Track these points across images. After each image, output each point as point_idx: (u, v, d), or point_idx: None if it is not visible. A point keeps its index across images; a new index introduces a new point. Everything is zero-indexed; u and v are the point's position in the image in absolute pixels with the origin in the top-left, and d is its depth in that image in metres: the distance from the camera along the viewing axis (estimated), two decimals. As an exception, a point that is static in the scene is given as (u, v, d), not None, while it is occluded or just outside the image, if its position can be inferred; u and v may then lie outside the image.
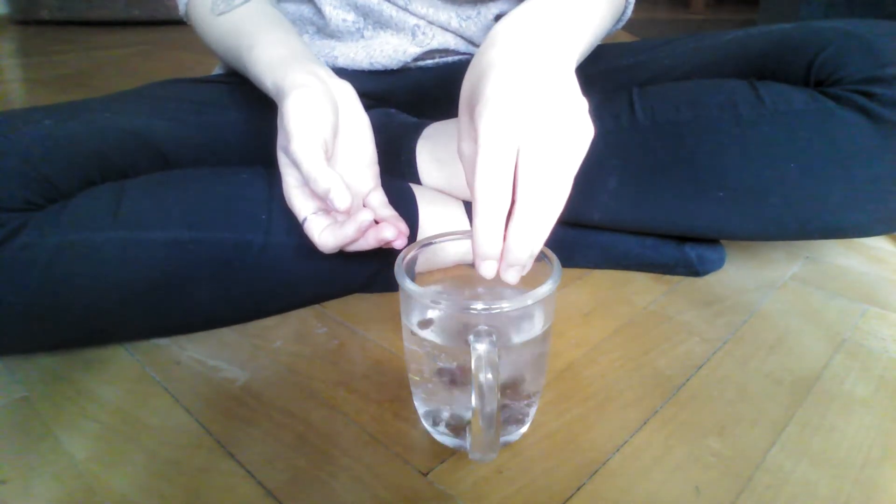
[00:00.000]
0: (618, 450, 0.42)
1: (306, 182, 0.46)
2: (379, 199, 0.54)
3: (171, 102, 0.63)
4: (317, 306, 0.60)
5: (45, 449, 0.42)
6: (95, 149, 0.53)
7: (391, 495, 0.39)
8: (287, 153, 0.47)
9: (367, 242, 0.49)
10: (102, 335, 0.53)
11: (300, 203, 0.49)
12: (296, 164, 0.46)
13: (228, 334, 0.55)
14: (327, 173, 0.44)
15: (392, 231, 0.48)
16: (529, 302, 0.36)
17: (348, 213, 0.48)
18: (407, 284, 0.37)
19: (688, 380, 0.49)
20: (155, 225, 0.49)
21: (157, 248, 0.49)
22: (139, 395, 0.48)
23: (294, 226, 0.51)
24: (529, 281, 0.38)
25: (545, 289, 0.36)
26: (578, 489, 0.39)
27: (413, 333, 0.39)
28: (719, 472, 0.41)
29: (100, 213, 0.49)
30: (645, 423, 0.45)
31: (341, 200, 0.43)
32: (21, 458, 0.42)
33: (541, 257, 0.41)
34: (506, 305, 0.36)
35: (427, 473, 0.40)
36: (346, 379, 0.49)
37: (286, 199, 0.50)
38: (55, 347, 0.52)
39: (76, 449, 0.42)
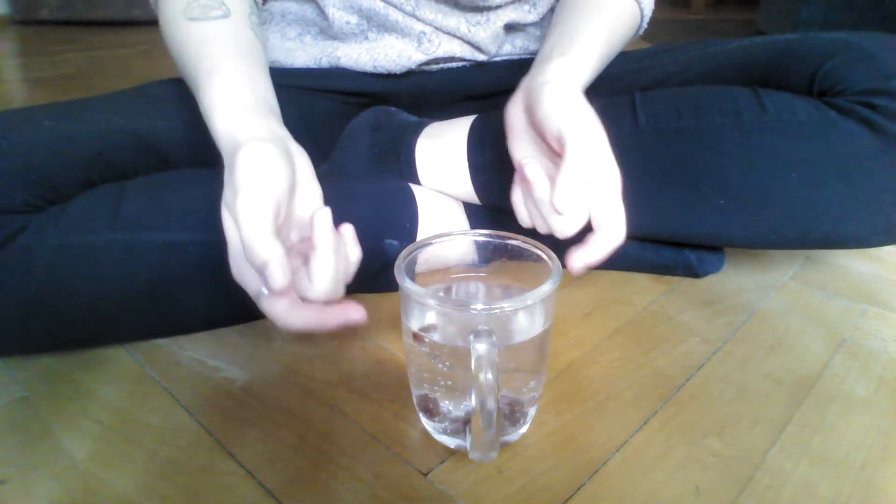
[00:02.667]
0: (618, 450, 0.42)
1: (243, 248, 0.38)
2: None
3: (171, 102, 0.63)
4: (317, 306, 0.60)
5: (45, 449, 0.42)
6: (95, 150, 0.53)
7: (391, 495, 0.39)
8: (231, 210, 0.40)
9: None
10: (102, 336, 0.53)
11: (252, 275, 0.41)
12: (236, 225, 0.39)
13: (228, 334, 0.55)
14: (268, 243, 0.37)
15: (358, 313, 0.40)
16: (529, 302, 0.36)
17: (287, 294, 0.40)
18: (407, 284, 0.37)
19: (688, 380, 0.49)
20: (155, 226, 0.49)
21: (157, 250, 0.49)
22: (139, 395, 0.48)
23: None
24: (529, 281, 0.38)
25: (545, 289, 0.36)
26: (578, 489, 0.39)
27: (413, 333, 0.39)
28: (719, 472, 0.41)
29: (100, 215, 0.49)
30: (645, 423, 0.45)
31: (277, 279, 0.36)
32: (21, 458, 0.42)
33: (541, 257, 0.41)
34: (506, 305, 0.36)
35: (427, 473, 0.40)
36: (346, 379, 0.49)
37: (232, 268, 0.42)
38: (55, 348, 0.52)
39: (76, 449, 0.42)
